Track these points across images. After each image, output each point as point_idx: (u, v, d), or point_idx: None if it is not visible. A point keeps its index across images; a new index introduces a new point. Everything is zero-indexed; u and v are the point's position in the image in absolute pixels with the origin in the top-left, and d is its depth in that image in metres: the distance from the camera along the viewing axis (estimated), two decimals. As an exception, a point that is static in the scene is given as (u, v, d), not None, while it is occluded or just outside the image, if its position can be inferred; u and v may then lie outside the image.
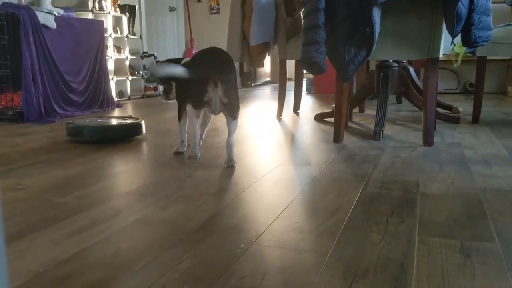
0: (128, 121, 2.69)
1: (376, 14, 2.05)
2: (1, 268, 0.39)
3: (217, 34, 6.88)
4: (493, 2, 2.36)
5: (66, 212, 1.36)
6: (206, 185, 1.63)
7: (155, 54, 5.86)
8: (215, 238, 1.15)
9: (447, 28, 2.14)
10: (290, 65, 4.29)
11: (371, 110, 3.71)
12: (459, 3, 1.98)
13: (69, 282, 0.93)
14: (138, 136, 2.63)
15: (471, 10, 2.06)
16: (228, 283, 0.92)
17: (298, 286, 0.90)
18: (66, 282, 0.93)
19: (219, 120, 3.29)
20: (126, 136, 2.58)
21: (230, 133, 1.90)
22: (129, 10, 5.33)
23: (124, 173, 1.83)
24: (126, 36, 5.16)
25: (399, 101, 4.30)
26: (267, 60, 7.04)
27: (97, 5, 4.75)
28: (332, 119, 3.16)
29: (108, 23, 4.82)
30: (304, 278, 0.93)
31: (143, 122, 2.66)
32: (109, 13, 4.85)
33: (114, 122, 2.70)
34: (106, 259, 1.03)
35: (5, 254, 0.39)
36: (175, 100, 2.23)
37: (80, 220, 1.29)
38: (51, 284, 0.93)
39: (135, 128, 2.61)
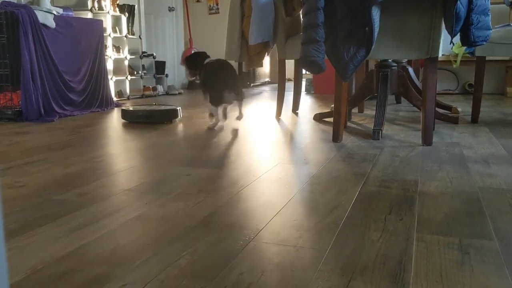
0: (169, 107, 3.34)
1: (375, 13, 2.06)
2: (1, 264, 0.39)
3: (216, 34, 6.88)
4: (492, 3, 2.37)
5: (65, 209, 1.36)
6: (205, 183, 1.64)
7: (154, 54, 5.87)
8: (214, 235, 1.15)
9: (446, 28, 2.15)
10: (289, 66, 4.29)
11: (370, 110, 3.71)
12: (458, 2, 1.99)
13: (68, 278, 0.93)
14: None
15: (470, 9, 2.07)
16: (227, 279, 0.92)
17: (296, 283, 0.91)
18: (65, 278, 0.93)
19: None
20: (169, 118, 3.25)
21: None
22: (128, 9, 5.34)
23: (123, 171, 1.83)
24: (125, 36, 5.16)
25: (398, 101, 4.31)
26: (266, 61, 7.05)
27: (96, 5, 4.76)
28: (331, 119, 3.16)
29: (107, 23, 4.82)
30: (302, 275, 0.94)
31: (179, 108, 3.33)
32: (108, 12, 4.85)
33: (159, 108, 3.37)
34: (105, 255, 1.03)
35: (5, 251, 0.39)
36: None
37: (79, 217, 1.29)
38: (50, 280, 0.93)
39: (176, 112, 3.29)
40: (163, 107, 3.38)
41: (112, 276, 0.94)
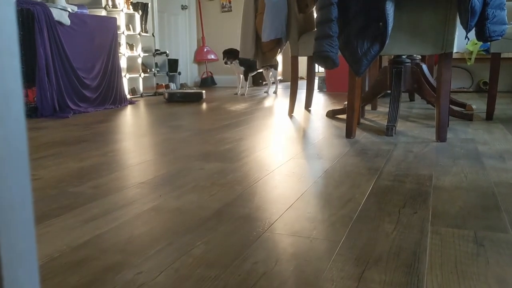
0: (198, 91, 4.76)
1: (389, 8, 2.05)
2: (31, 247, 0.40)
3: (229, 32, 6.90)
4: (507, 0, 2.34)
5: (81, 201, 1.37)
6: (219, 176, 1.64)
7: (167, 51, 5.89)
8: (228, 226, 1.15)
9: (461, 22, 2.13)
10: (302, 64, 4.28)
11: (383, 108, 3.70)
12: (474, -3, 1.97)
13: (84, 266, 0.94)
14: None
15: (485, 4, 2.04)
16: (241, 268, 0.92)
17: (310, 272, 0.91)
18: (81, 265, 0.94)
19: (231, 117, 3.30)
20: (197, 99, 4.63)
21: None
22: (142, 7, 5.37)
23: (138, 165, 1.84)
24: (139, 34, 5.19)
25: (411, 99, 4.28)
26: (278, 59, 7.04)
27: (110, 3, 4.79)
28: (344, 116, 3.16)
29: (121, 21, 4.86)
30: (316, 265, 0.94)
31: (204, 91, 4.76)
32: (122, 10, 4.89)
33: (190, 91, 4.93)
34: (120, 245, 1.04)
35: (34, 236, 0.39)
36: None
37: (95, 208, 1.31)
38: (66, 267, 0.94)
39: (202, 94, 4.68)
40: (193, 91, 4.85)
41: (127, 264, 0.95)
